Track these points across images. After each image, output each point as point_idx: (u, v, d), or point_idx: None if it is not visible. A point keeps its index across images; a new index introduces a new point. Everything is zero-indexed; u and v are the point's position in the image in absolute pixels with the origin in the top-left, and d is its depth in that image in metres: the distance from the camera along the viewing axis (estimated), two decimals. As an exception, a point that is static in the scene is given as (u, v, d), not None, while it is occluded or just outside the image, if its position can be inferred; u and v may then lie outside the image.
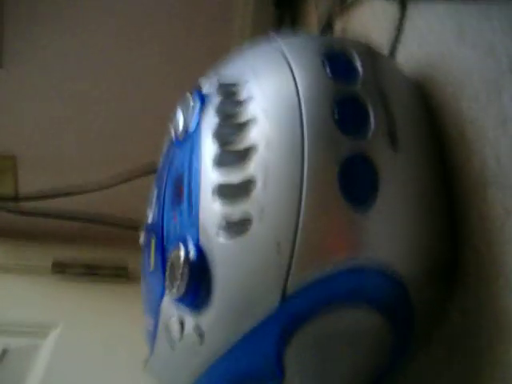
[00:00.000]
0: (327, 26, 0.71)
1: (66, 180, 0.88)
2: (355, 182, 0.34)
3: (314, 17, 0.81)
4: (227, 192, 0.36)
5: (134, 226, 0.54)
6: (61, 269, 0.83)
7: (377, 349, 0.37)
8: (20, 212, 0.87)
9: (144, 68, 0.94)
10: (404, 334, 0.37)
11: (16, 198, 0.88)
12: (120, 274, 0.83)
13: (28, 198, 0.85)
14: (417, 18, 0.46)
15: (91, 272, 0.84)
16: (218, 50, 0.53)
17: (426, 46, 0.44)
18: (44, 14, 0.94)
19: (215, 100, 0.41)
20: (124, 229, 0.82)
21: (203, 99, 0.43)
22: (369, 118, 0.36)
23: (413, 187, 0.36)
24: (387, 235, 0.34)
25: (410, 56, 0.47)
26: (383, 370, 0.39)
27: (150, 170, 0.51)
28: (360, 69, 0.38)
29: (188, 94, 0.44)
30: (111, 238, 0.88)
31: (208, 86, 0.44)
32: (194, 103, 0.43)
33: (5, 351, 0.67)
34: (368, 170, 0.35)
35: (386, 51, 0.50)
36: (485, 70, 0.35)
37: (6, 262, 0.83)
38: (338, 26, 0.69)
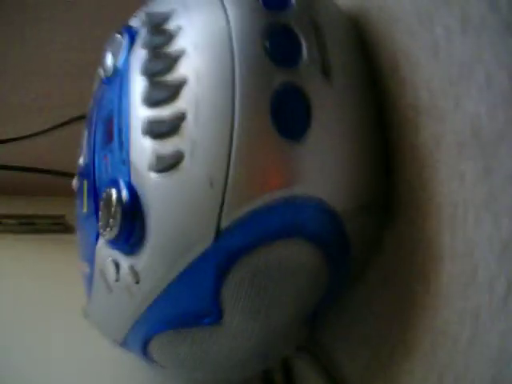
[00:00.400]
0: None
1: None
2: (287, 112, 0.34)
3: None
4: (157, 127, 0.35)
5: (69, 174, 0.53)
6: (-5, 220, 0.81)
7: (314, 282, 0.37)
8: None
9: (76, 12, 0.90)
10: (340, 267, 0.38)
11: None
12: (57, 223, 0.81)
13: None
14: None
15: (28, 222, 0.82)
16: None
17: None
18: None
19: (143, 33, 0.39)
20: (59, 176, 0.79)
21: (132, 34, 0.41)
22: (301, 49, 0.35)
23: (347, 118, 0.36)
24: (321, 166, 0.34)
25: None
26: (322, 302, 0.39)
27: (82, 116, 0.50)
28: (293, 1, 0.37)
29: (116, 33, 0.43)
30: (47, 187, 0.86)
31: (137, 22, 0.42)
32: (122, 39, 0.42)
33: None
34: (300, 101, 0.34)
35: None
36: (418, 0, 0.35)
37: None
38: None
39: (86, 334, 0.50)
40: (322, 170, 0.34)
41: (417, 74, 0.35)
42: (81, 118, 0.50)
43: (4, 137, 0.82)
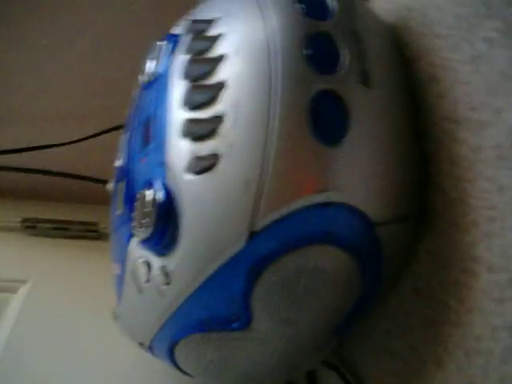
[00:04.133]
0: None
1: (38, 135, 0.86)
2: (325, 118, 0.34)
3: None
4: (195, 129, 0.35)
5: (104, 181, 0.53)
6: (31, 224, 0.82)
7: (346, 290, 0.37)
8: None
9: (120, 27, 0.91)
10: (373, 276, 0.37)
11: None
12: (90, 230, 0.82)
13: (2, 152, 0.83)
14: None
15: (62, 227, 0.83)
16: None
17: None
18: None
19: (186, 39, 0.40)
20: (94, 183, 0.80)
21: (174, 41, 0.42)
22: (340, 56, 0.35)
23: (384, 125, 0.36)
24: (356, 173, 0.34)
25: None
26: (353, 312, 0.39)
27: (120, 126, 0.51)
28: (333, 8, 0.37)
29: (157, 42, 0.44)
30: (82, 193, 0.87)
31: (180, 29, 0.43)
32: (164, 45, 0.42)
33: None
34: (338, 107, 0.34)
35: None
36: (458, 8, 0.35)
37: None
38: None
39: (114, 337, 0.51)
40: (357, 177, 0.34)
41: (456, 87, 0.35)
42: (119, 127, 0.51)
43: (43, 143, 0.83)
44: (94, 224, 0.83)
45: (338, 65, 0.35)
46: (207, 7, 0.43)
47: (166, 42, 0.42)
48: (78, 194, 0.88)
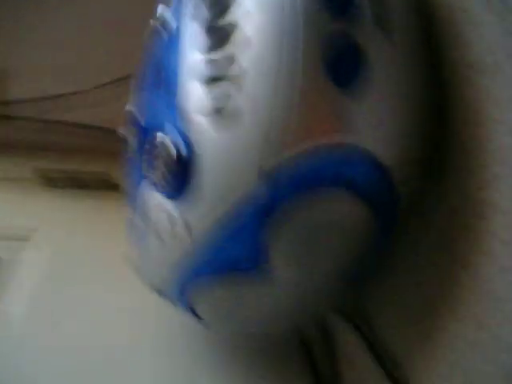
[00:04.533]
0: None
1: (50, 86, 0.86)
2: (342, 63, 0.33)
3: None
4: (207, 71, 0.35)
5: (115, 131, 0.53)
6: (44, 174, 0.83)
7: (359, 233, 0.37)
8: (9, 117, 0.86)
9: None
10: (387, 223, 0.38)
11: (5, 103, 0.86)
12: (102, 180, 0.83)
13: (16, 102, 0.84)
14: None
15: (74, 177, 0.83)
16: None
17: None
18: None
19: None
20: (108, 135, 0.81)
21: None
22: (361, 4, 0.35)
23: (401, 71, 0.35)
24: (372, 120, 0.34)
25: None
26: (365, 259, 0.39)
27: (131, 75, 0.50)
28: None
29: None
30: (94, 144, 0.87)
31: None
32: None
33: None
34: (356, 53, 0.34)
35: None
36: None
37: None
38: None
39: (127, 283, 0.52)
40: (372, 121, 0.34)
41: (472, 29, 0.34)
42: (130, 76, 0.51)
43: (55, 93, 0.83)
44: (106, 174, 0.83)
45: (357, 11, 0.34)
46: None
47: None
48: (91, 145, 0.89)
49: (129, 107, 0.47)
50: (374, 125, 0.34)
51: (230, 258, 0.38)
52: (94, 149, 0.88)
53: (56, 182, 0.84)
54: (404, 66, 0.36)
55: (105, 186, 0.83)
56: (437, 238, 0.38)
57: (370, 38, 0.34)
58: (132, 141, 0.44)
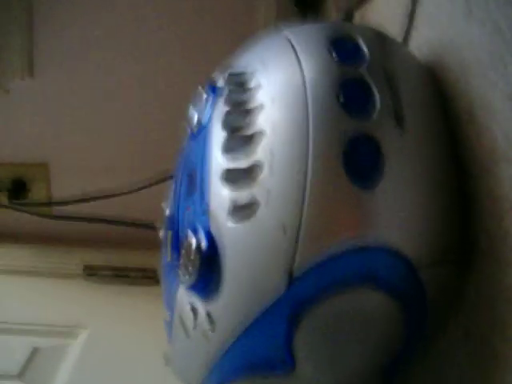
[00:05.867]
0: (346, 19, 0.71)
1: (95, 185, 0.90)
2: (360, 162, 0.34)
3: (334, 12, 0.82)
4: (235, 177, 0.36)
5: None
6: (91, 271, 0.85)
7: (389, 332, 0.36)
8: (53, 216, 0.89)
9: (167, 80, 0.96)
10: (417, 317, 0.37)
11: (49, 204, 0.90)
12: (148, 276, 0.84)
13: (60, 203, 0.87)
14: (427, 2, 0.46)
15: (121, 274, 0.85)
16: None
17: (438, 28, 0.44)
18: (72, 23, 0.97)
19: (225, 90, 0.41)
20: (148, 229, 0.83)
21: (215, 92, 0.43)
22: (374, 99, 0.36)
23: (419, 167, 0.35)
24: (393, 215, 0.34)
25: (423, 40, 0.47)
26: (400, 354, 0.38)
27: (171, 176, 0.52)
28: (366, 52, 0.38)
29: (200, 89, 0.45)
30: (139, 240, 0.89)
31: (220, 80, 0.45)
32: (206, 96, 0.44)
33: (35, 350, 0.68)
34: (373, 150, 0.34)
35: (400, 38, 0.50)
36: (492, 46, 0.35)
37: (39, 265, 0.85)
38: (357, 18, 0.69)
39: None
40: (394, 218, 0.34)
41: (494, 122, 0.35)
42: (170, 177, 0.53)
43: (98, 193, 0.87)
44: (152, 270, 0.85)
45: (372, 109, 0.35)
46: (243, 55, 0.45)
47: (207, 94, 0.44)
48: (135, 240, 0.91)
49: (166, 212, 0.48)
50: (399, 224, 0.34)
51: (260, 362, 0.38)
52: (138, 244, 0.90)
53: (104, 278, 0.86)
54: (423, 159, 0.36)
55: (151, 282, 0.85)
56: (474, 335, 0.37)
57: (389, 137, 0.35)
58: (168, 245, 0.45)
